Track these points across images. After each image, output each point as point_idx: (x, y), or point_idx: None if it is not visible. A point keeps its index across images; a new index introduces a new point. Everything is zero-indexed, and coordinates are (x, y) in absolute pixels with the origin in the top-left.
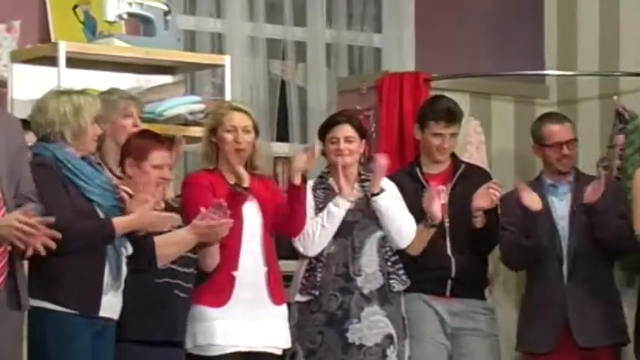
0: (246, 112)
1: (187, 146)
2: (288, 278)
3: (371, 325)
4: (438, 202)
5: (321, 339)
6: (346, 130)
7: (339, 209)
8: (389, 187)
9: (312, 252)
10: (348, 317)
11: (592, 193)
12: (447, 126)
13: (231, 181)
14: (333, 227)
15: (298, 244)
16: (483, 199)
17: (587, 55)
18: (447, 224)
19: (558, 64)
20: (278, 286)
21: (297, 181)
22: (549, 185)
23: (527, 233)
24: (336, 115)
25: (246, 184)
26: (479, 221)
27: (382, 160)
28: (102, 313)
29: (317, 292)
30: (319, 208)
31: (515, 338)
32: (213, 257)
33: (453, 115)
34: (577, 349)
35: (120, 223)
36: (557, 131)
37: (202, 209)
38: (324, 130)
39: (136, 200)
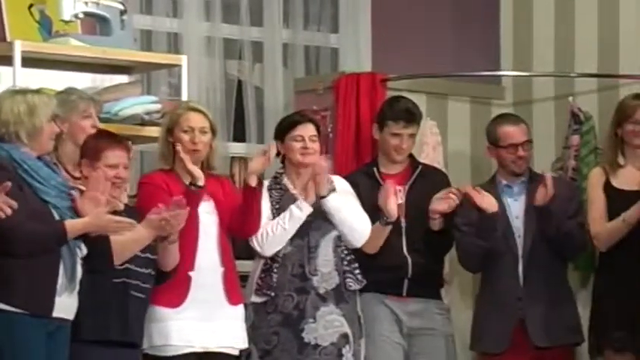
0: (203, 113)
1: (143, 146)
2: (244, 278)
3: (326, 325)
4: (393, 199)
5: (276, 339)
6: (310, 129)
7: (301, 212)
8: (342, 186)
9: (269, 252)
10: (304, 317)
11: (540, 196)
12: (406, 126)
13: (187, 181)
14: (293, 229)
15: (255, 244)
16: (441, 203)
17: (542, 57)
18: (403, 224)
19: (514, 65)
20: (234, 286)
21: (253, 182)
22: (504, 186)
23: (483, 234)
24: (297, 115)
25: (201, 182)
26: (436, 224)
27: (323, 163)
28: (56, 314)
29: (273, 293)
30: (276, 208)
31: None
32: (172, 256)
33: (412, 116)
34: (532, 348)
35: (73, 225)
36: (512, 133)
37: (159, 205)
38: (287, 129)
39: (86, 198)
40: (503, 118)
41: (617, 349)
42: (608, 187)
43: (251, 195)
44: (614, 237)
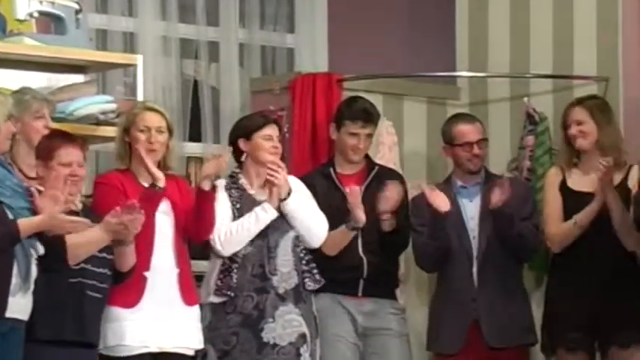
0: (160, 113)
1: (99, 146)
2: (198, 279)
3: (285, 325)
4: (362, 206)
5: (235, 340)
6: (276, 130)
7: (267, 215)
8: (298, 187)
9: (229, 252)
10: (264, 317)
11: (496, 197)
12: (364, 126)
13: (143, 181)
14: (256, 231)
15: (217, 243)
16: (386, 202)
17: (498, 58)
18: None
19: (470, 65)
20: (190, 286)
21: (207, 187)
22: (459, 186)
23: (434, 234)
24: (263, 115)
25: (161, 184)
26: (387, 225)
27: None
28: (9, 315)
29: (232, 293)
30: (237, 208)
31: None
32: (128, 258)
33: (370, 116)
34: (486, 349)
35: (27, 224)
36: (467, 131)
37: (116, 207)
38: (256, 128)
39: (45, 197)
40: (458, 117)
41: (569, 349)
42: (563, 188)
43: (204, 199)
44: (567, 239)
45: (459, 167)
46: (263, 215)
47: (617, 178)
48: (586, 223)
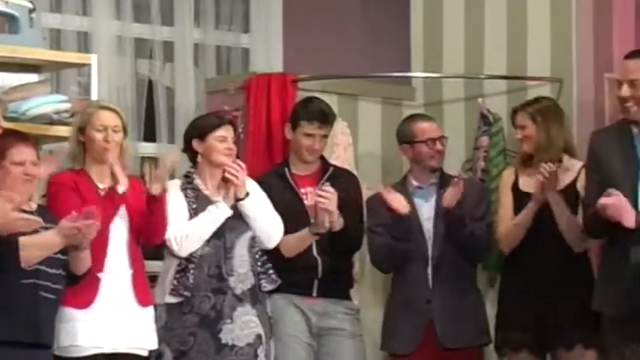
0: (115, 112)
1: (52, 146)
2: (152, 279)
3: (243, 326)
4: (327, 214)
5: (192, 340)
6: (231, 131)
7: (221, 214)
8: (253, 188)
9: (185, 253)
10: (222, 318)
11: (449, 198)
12: (320, 127)
13: (98, 181)
14: (211, 231)
15: (173, 244)
16: (329, 203)
17: (452, 58)
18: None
19: (425, 66)
20: (144, 287)
21: (157, 191)
22: (415, 187)
23: (395, 235)
24: (218, 116)
25: (123, 187)
26: (335, 225)
27: (241, 165)
28: None
29: (189, 294)
30: (193, 208)
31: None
32: (83, 262)
33: (326, 117)
34: (441, 349)
35: None
36: (428, 128)
37: (73, 212)
38: (210, 129)
39: (1, 197)
40: (415, 116)
41: (514, 349)
42: (515, 189)
43: (155, 203)
44: (513, 239)
45: (419, 165)
46: (218, 214)
47: (568, 179)
48: (525, 224)
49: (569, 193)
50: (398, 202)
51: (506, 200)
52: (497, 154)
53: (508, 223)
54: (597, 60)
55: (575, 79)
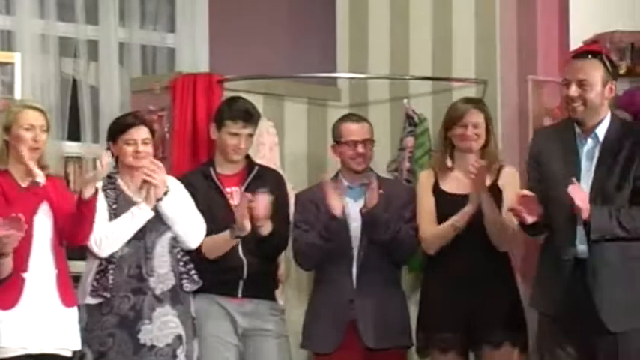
0: (41, 111)
1: None
2: (76, 279)
3: (162, 326)
4: (247, 214)
5: (112, 341)
6: (143, 132)
7: (143, 215)
8: (176, 188)
9: (106, 253)
10: (141, 318)
11: (368, 199)
12: (244, 126)
13: (22, 181)
14: (132, 232)
15: (93, 245)
16: (258, 209)
17: (378, 59)
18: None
19: (350, 67)
20: (68, 288)
21: (88, 194)
22: (345, 187)
23: (322, 234)
24: (130, 117)
25: (41, 179)
26: (264, 229)
27: (157, 165)
28: None
29: (109, 294)
30: (113, 209)
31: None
32: (4, 268)
33: (250, 116)
34: (363, 349)
35: None
36: (353, 129)
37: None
38: (119, 132)
39: None
40: (348, 116)
41: (442, 350)
42: (436, 190)
43: (86, 206)
44: (442, 240)
45: (345, 166)
46: (139, 215)
47: (489, 179)
48: (463, 225)
49: (493, 193)
50: (335, 201)
51: (427, 202)
52: (423, 154)
53: (433, 225)
54: (521, 62)
55: (499, 81)
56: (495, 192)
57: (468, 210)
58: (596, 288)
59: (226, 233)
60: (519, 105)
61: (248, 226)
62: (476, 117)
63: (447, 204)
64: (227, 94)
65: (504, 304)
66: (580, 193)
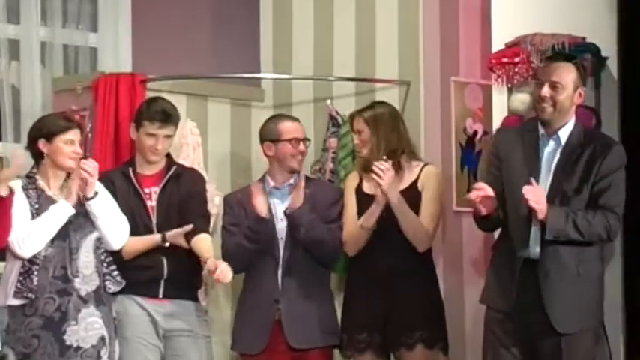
0: None
1: None
2: None
3: (87, 327)
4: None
5: (37, 342)
6: (79, 134)
7: (63, 213)
8: (100, 189)
9: (29, 254)
10: (66, 319)
11: (294, 198)
12: (162, 127)
13: None
14: (54, 231)
15: (15, 245)
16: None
17: (301, 60)
18: (154, 225)
19: (274, 67)
20: None
21: (4, 192)
22: (272, 187)
23: (248, 235)
24: (66, 118)
25: None
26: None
27: (91, 165)
28: None
29: (33, 296)
30: (35, 209)
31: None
32: None
33: (168, 117)
34: (290, 350)
35: None
36: (293, 128)
37: None
38: (58, 131)
39: None
40: (281, 116)
41: (359, 350)
42: (359, 192)
43: (2, 205)
44: (357, 241)
45: (280, 165)
46: (59, 213)
47: (409, 179)
48: (370, 225)
49: (411, 193)
50: (260, 204)
51: (350, 203)
52: (346, 155)
53: (353, 226)
54: (444, 63)
55: (422, 82)
56: (413, 192)
57: (372, 210)
58: (547, 288)
59: (156, 237)
60: (442, 106)
61: (183, 241)
62: (357, 124)
63: (367, 205)
64: (150, 94)
65: (421, 304)
66: (536, 193)
